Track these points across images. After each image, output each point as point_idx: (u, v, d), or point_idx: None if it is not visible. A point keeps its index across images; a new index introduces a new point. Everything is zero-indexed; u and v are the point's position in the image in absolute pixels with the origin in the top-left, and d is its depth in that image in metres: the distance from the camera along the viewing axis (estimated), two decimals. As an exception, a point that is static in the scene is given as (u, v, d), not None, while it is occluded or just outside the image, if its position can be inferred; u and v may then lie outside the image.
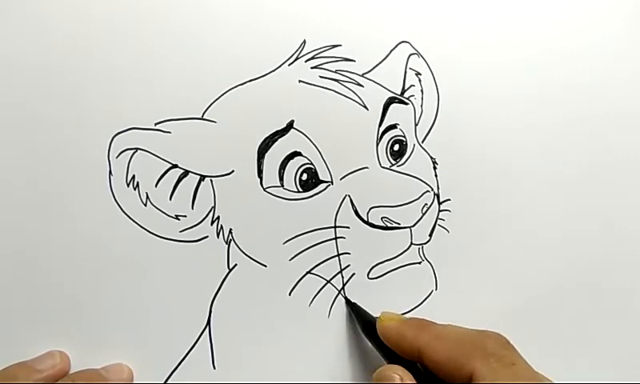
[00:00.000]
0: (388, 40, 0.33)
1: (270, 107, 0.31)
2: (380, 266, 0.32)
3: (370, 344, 0.30)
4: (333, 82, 0.32)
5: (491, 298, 0.34)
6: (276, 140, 0.30)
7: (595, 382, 0.34)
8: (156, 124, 0.29)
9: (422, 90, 0.34)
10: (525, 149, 0.36)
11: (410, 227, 0.32)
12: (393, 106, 0.33)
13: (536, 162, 0.36)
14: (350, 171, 0.32)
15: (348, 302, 0.32)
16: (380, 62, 0.33)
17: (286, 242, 0.31)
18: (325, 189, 0.31)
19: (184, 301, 0.29)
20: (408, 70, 0.34)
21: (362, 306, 0.31)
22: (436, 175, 0.34)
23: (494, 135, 0.35)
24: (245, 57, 0.31)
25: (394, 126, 0.33)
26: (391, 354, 0.28)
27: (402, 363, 0.27)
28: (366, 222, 0.31)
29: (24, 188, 0.28)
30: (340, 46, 0.32)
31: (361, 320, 0.31)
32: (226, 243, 0.30)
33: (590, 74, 0.37)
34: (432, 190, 0.33)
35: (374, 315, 0.30)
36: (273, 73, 0.31)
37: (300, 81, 0.31)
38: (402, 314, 0.32)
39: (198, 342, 0.29)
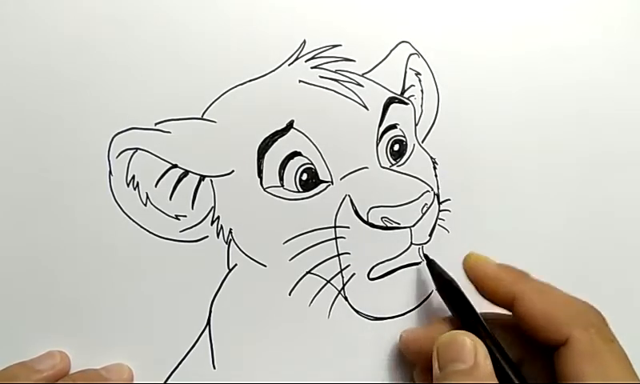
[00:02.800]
0: (388, 40, 0.33)
1: (269, 107, 0.31)
2: (380, 265, 0.32)
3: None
4: (333, 81, 0.32)
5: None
6: (276, 140, 0.30)
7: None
8: (156, 124, 0.29)
9: (422, 90, 0.34)
10: (525, 148, 0.36)
11: (410, 227, 0.32)
12: (393, 106, 0.33)
13: (536, 162, 0.36)
14: (350, 171, 0.32)
15: (427, 257, 0.32)
16: (380, 62, 0.33)
17: (286, 242, 0.31)
18: (325, 189, 0.31)
19: (184, 301, 0.29)
20: (408, 69, 0.34)
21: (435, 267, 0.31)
22: (436, 175, 0.34)
23: (494, 135, 0.35)
24: (245, 57, 0.31)
25: (393, 126, 0.33)
26: (468, 314, 0.28)
27: (474, 331, 0.27)
28: (366, 222, 0.31)
29: (24, 188, 0.28)
30: (340, 46, 0.32)
31: (439, 279, 0.31)
32: (226, 243, 0.30)
33: (590, 72, 0.37)
34: (432, 189, 0.33)
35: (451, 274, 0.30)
36: (273, 73, 0.31)
37: (300, 81, 0.31)
38: (402, 314, 0.32)
39: (198, 342, 0.29)
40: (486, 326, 0.27)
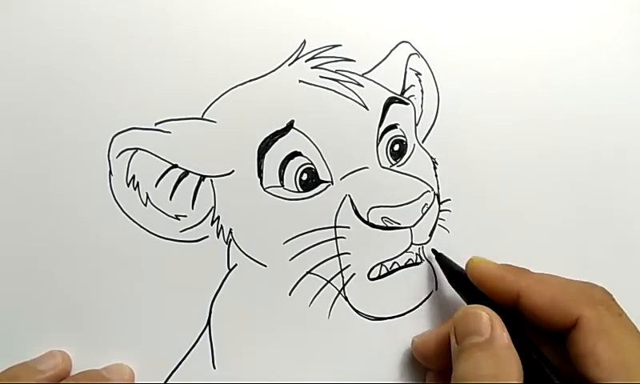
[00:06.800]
0: (388, 40, 0.33)
1: (269, 107, 0.31)
2: (380, 265, 0.32)
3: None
4: (333, 81, 0.32)
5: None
6: (276, 140, 0.30)
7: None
8: (156, 124, 0.29)
9: (422, 90, 0.34)
10: (525, 148, 0.36)
11: (410, 227, 0.32)
12: (393, 106, 0.33)
13: (536, 162, 0.36)
14: (350, 171, 0.32)
15: (434, 252, 0.32)
16: (380, 62, 0.33)
17: (286, 242, 0.31)
18: (325, 189, 0.31)
19: (184, 301, 0.29)
20: (408, 69, 0.34)
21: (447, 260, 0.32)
22: (436, 175, 0.34)
23: (494, 135, 0.35)
24: (245, 57, 0.31)
25: (394, 126, 0.33)
26: (482, 302, 0.28)
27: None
28: (366, 222, 0.31)
29: (24, 188, 0.28)
30: (340, 45, 0.32)
31: (448, 270, 0.31)
32: (226, 243, 0.30)
33: (590, 73, 0.37)
34: (432, 189, 0.33)
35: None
36: (273, 73, 0.31)
37: (300, 81, 0.31)
38: (402, 314, 0.32)
39: (198, 342, 0.30)
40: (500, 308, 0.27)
